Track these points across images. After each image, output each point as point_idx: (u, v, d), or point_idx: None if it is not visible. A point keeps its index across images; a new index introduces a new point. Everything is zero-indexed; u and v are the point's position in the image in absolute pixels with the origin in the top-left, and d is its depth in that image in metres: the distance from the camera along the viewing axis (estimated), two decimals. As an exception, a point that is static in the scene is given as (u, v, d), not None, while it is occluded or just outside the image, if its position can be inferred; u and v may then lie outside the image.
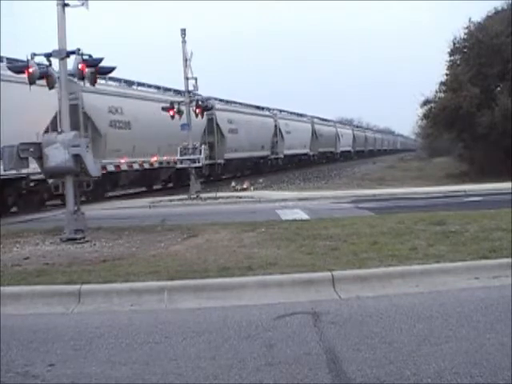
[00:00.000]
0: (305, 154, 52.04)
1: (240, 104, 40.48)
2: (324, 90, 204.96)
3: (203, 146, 23.03)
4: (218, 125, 33.57)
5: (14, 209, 18.83)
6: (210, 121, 32.19)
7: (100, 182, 18.63)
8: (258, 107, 43.92)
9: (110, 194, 24.92)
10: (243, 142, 36.38)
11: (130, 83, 26.96)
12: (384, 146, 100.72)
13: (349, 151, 70.86)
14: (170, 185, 30.04)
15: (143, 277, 7.12)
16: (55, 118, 18.65)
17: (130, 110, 24.36)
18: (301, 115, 54.47)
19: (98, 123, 22.25)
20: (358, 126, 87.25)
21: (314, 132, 53.90)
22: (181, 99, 23.89)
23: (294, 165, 48.22)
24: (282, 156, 44.88)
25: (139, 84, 27.95)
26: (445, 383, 4.03)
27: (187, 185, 22.62)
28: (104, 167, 19.74)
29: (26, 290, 6.89)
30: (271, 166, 43.47)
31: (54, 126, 18.47)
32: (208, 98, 30.76)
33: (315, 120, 56.65)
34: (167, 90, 30.19)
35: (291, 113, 51.88)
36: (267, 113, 44.84)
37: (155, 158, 26.28)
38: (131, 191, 27.05)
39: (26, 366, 4.69)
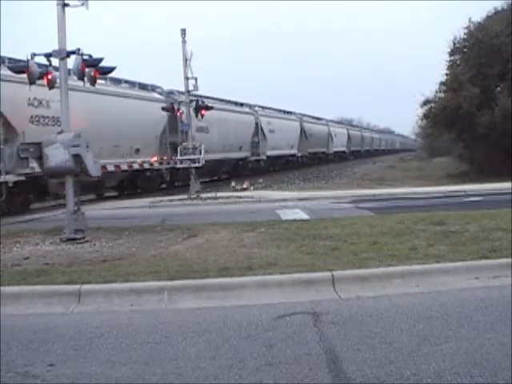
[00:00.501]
0: (292, 155, 47.75)
1: (213, 99, 33.39)
2: (324, 90, 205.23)
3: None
4: (183, 122, 26.92)
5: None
6: (172, 118, 26.68)
7: (23, 190, 17.53)
8: (236, 103, 39.01)
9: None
10: (215, 143, 31.31)
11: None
12: (382, 146, 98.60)
13: (343, 151, 67.24)
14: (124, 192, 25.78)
15: (143, 277, 7.12)
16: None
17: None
18: (288, 112, 49.73)
19: (13, 119, 17.54)
20: (353, 125, 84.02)
21: (302, 131, 49.58)
22: (140, 92, 22.72)
23: (280, 167, 44.52)
24: (264, 157, 40.60)
25: None
26: (445, 383, 4.04)
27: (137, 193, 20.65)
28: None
29: (25, 290, 6.88)
30: (252, 168, 38.77)
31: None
32: (170, 92, 28.38)
33: (304, 118, 52.40)
34: (118, 81, 25.12)
35: (277, 110, 47.42)
36: (247, 109, 39.93)
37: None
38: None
39: (26, 365, 4.69)
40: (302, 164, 49.76)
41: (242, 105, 40.16)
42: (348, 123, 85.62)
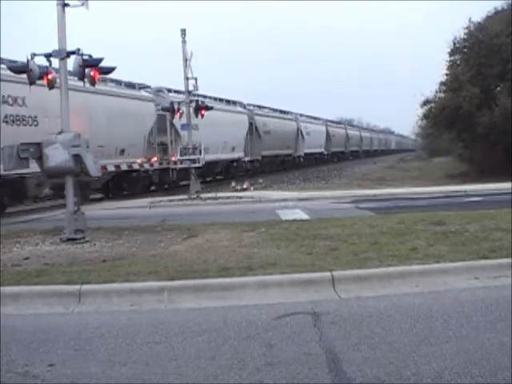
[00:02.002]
0: (288, 155, 47.20)
1: (204, 96, 31.13)
2: (324, 90, 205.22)
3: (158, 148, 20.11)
4: (171, 122, 27.17)
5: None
6: (161, 117, 26.33)
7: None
8: (228, 101, 37.50)
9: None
10: (208, 143, 28.06)
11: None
12: (374, 146, 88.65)
13: (342, 152, 67.05)
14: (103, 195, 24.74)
15: (143, 277, 7.12)
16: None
17: (38, 102, 17.40)
18: (285, 112, 48.84)
19: None
20: (350, 125, 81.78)
21: (299, 131, 49.06)
22: (126, 91, 22.42)
23: (276, 167, 43.72)
24: (259, 158, 39.74)
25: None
26: (445, 383, 4.04)
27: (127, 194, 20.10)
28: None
29: (25, 290, 6.88)
30: (246, 169, 37.75)
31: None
32: (159, 89, 27.50)
33: (301, 118, 51.69)
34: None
35: (273, 109, 46.46)
36: (240, 109, 38.69)
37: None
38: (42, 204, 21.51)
39: (26, 366, 4.69)
40: (299, 164, 49.18)
41: (235, 103, 38.62)
42: (344, 122, 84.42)
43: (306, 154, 50.91)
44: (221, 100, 35.82)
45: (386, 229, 9.96)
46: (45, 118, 17.95)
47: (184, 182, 26.73)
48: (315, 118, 59.17)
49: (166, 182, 27.53)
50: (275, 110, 47.10)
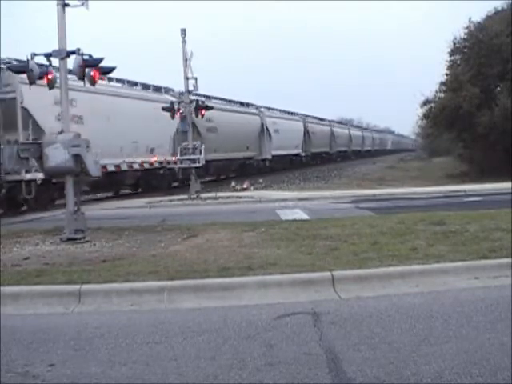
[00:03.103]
0: (296, 155, 48.61)
1: (222, 100, 36.28)
2: (324, 90, 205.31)
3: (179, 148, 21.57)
4: (194, 123, 28.37)
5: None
6: (185, 119, 27.26)
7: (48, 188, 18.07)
8: (242, 104, 40.22)
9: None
10: (224, 142, 32.67)
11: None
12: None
13: (345, 151, 68.23)
14: (139, 190, 27.07)
15: (143, 277, 7.12)
16: None
17: (84, 104, 20.33)
18: (292, 113, 50.79)
19: (42, 120, 18.51)
20: (346, 124, 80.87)
21: (306, 131, 50.65)
22: (154, 95, 23.13)
23: (285, 166, 44.96)
24: (269, 157, 41.54)
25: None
26: (445, 383, 4.04)
27: (156, 189, 21.24)
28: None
29: (25, 290, 6.88)
30: (258, 167, 39.96)
31: None
32: (181, 93, 28.03)
33: (308, 119, 53.48)
34: (135, 84, 27.18)
35: (281, 110, 48.33)
36: (253, 110, 41.11)
37: (119, 160, 23.57)
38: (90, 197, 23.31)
39: (26, 366, 4.69)
40: (306, 163, 50.49)
41: (248, 105, 41.00)
42: (347, 123, 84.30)
43: (312, 153, 52.55)
44: (235, 102, 38.85)
45: (385, 229, 9.96)
46: (88, 117, 20.72)
47: (205, 179, 29.87)
48: (321, 119, 60.63)
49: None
50: (283, 112, 48.67)
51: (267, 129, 41.46)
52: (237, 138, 35.38)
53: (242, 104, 40.29)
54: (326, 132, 59.50)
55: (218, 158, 32.58)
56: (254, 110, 41.27)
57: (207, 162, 29.13)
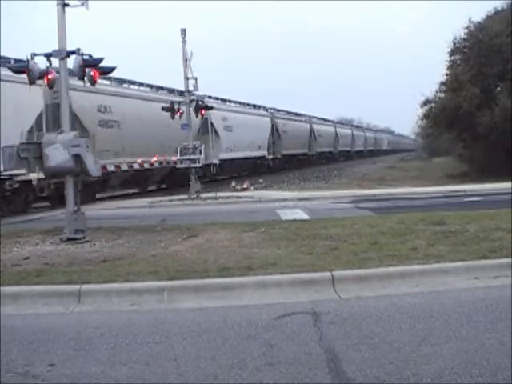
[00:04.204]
0: (303, 154, 51.46)
1: (235, 102, 40.00)
2: (324, 90, 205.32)
3: (203, 146, 22.95)
4: (212, 124, 32.57)
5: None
6: (205, 120, 30.86)
7: (90, 183, 19.06)
8: (254, 106, 42.95)
9: (100, 195, 24.25)
10: (239, 142, 35.73)
11: (120, 81, 25.97)
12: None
13: (348, 151, 70.01)
14: (164, 186, 29.82)
15: (143, 277, 7.12)
16: (40, 116, 18.88)
17: (120, 109, 23.75)
18: (299, 115, 53.56)
19: (87, 124, 21.38)
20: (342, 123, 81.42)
21: (312, 132, 53.34)
22: (177, 98, 23.91)
23: (293, 165, 47.44)
24: (279, 156, 44.38)
25: (130, 82, 27.23)
26: (445, 383, 4.04)
27: (185, 185, 22.53)
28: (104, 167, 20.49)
29: (25, 290, 6.89)
30: (268, 166, 42.54)
31: (38, 125, 18.72)
32: (203, 97, 30.43)
33: (313, 120, 56.07)
34: (160, 88, 29.80)
35: (289, 112, 51.11)
36: (264, 112, 43.98)
37: (154, 159, 26.21)
38: (120, 193, 26.38)
39: (26, 366, 4.69)
40: (312, 162, 52.79)
41: (259, 107, 43.65)
42: (349, 123, 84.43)
43: (317, 152, 55.20)
44: (248, 105, 41.73)
45: (385, 229, 9.96)
46: (123, 122, 23.73)
47: (222, 177, 34.19)
48: (325, 120, 63.25)
49: (207, 175, 31.37)
50: (290, 113, 51.32)
51: (277, 129, 44.11)
52: (250, 138, 37.83)
53: (253, 106, 42.75)
54: (330, 133, 61.86)
55: (234, 157, 35.33)
56: (264, 112, 43.90)
57: (223, 160, 33.16)
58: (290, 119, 48.78)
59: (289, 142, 45.78)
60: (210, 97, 33.30)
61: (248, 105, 41.81)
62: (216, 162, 32.34)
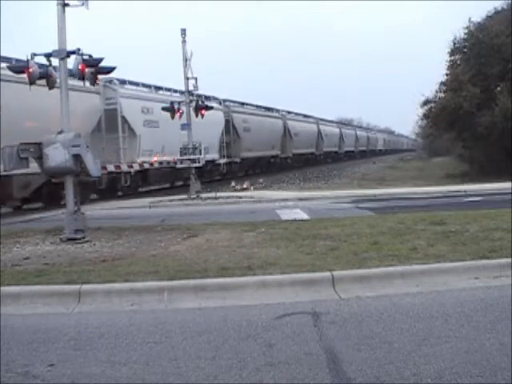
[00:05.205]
0: (311, 154, 53.86)
1: (252, 105, 42.56)
2: (324, 90, 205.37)
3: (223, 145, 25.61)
4: (234, 125, 36.09)
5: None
6: (227, 122, 34.86)
7: (134, 178, 24.44)
8: (268, 109, 45.66)
9: (143, 189, 27.22)
10: (256, 141, 38.47)
11: (158, 88, 28.59)
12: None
13: (352, 151, 72.06)
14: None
15: (143, 277, 7.12)
16: (99, 120, 22.29)
17: (159, 113, 25.12)
18: (307, 116, 55.99)
19: (134, 125, 24.53)
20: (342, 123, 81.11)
21: (319, 133, 55.59)
22: (178, 99, 24.12)
23: (301, 163, 49.83)
24: (290, 155, 46.98)
25: (166, 89, 29.21)
26: (445, 383, 4.03)
27: (210, 181, 23.70)
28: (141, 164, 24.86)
29: (25, 290, 6.88)
30: (281, 164, 45.51)
31: (99, 127, 22.33)
32: (225, 100, 35.39)
33: (320, 121, 58.33)
34: (191, 94, 31.52)
35: (297, 113, 53.19)
36: (277, 114, 46.67)
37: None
38: (157, 187, 28.96)
39: (26, 366, 4.69)
40: (319, 161, 55.37)
41: (272, 110, 46.36)
42: (352, 124, 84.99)
43: (324, 152, 57.64)
44: (262, 107, 44.46)
45: (386, 229, 9.96)
46: (162, 122, 25.16)
47: (241, 173, 37.38)
48: (331, 122, 66.23)
49: (229, 172, 35.03)
50: (299, 114, 53.61)
51: (289, 130, 46.55)
52: (265, 139, 40.97)
53: (267, 109, 45.55)
54: (335, 133, 63.94)
55: (252, 156, 38.77)
56: (277, 114, 46.71)
57: (243, 159, 36.30)
58: (299, 120, 51.38)
59: (298, 142, 48.42)
60: (230, 100, 37.72)
61: (262, 107, 44.55)
62: (237, 160, 35.91)
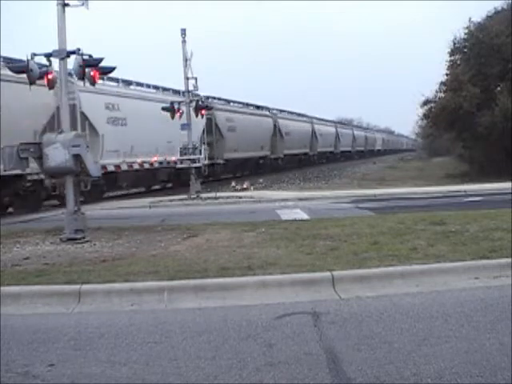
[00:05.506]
0: (305, 154, 52.03)
1: (239, 103, 40.76)
2: (324, 90, 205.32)
3: (203, 146, 23.02)
4: (216, 125, 33.70)
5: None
6: (209, 120, 32.13)
7: (97, 182, 19.84)
8: (257, 107, 43.70)
9: (111, 194, 24.82)
10: (242, 142, 36.33)
11: (127, 83, 26.36)
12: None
13: (349, 151, 70.51)
14: (169, 185, 30.03)
15: (143, 277, 7.12)
16: (52, 117, 19.14)
17: (127, 109, 24.11)
18: (300, 115, 54.08)
19: (96, 123, 21.85)
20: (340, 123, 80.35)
21: (313, 132, 53.86)
22: (180, 99, 23.99)
23: (294, 165, 47.93)
24: (281, 156, 44.94)
25: (137, 84, 27.50)
26: (445, 383, 4.03)
27: (187, 185, 22.65)
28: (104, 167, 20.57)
29: (25, 290, 6.88)
30: (271, 166, 43.31)
31: (51, 126, 18.89)
32: (207, 97, 32.07)
33: (315, 120, 56.57)
34: (166, 89, 30.18)
35: (291, 113, 51.64)
36: (266, 112, 44.65)
37: (155, 158, 26.33)
38: (126, 192, 26.83)
39: (26, 366, 4.69)
40: (314, 162, 53.47)
41: (262, 108, 44.16)
42: (350, 124, 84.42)
43: (319, 152, 55.68)
44: (251, 105, 42.18)
45: (386, 229, 9.96)
46: (131, 120, 24.01)
47: (225, 176, 34.68)
48: (326, 120, 63.79)
49: (211, 175, 32.06)
50: (292, 113, 51.65)
51: (279, 130, 44.47)
52: (253, 138, 38.48)
53: (256, 107, 43.30)
54: (331, 133, 62.20)
55: (237, 157, 36.24)
56: (267, 113, 44.40)
57: (227, 160, 33.93)
58: (291, 119, 49.27)
59: (290, 142, 46.39)
60: (214, 97, 34.58)
61: (251, 105, 42.38)
62: (221, 161, 33.31)
